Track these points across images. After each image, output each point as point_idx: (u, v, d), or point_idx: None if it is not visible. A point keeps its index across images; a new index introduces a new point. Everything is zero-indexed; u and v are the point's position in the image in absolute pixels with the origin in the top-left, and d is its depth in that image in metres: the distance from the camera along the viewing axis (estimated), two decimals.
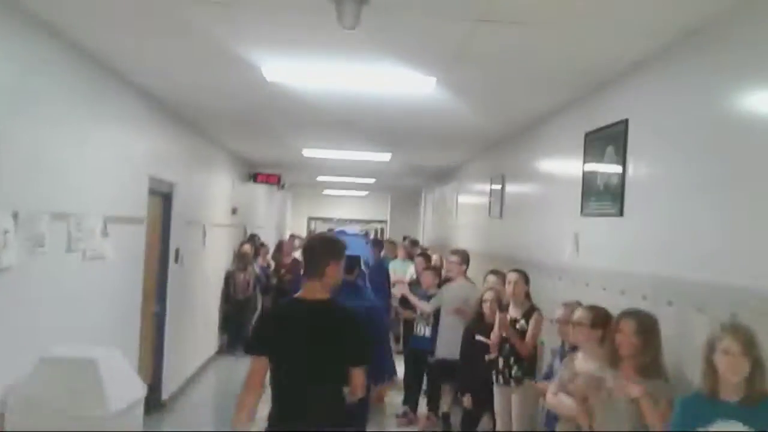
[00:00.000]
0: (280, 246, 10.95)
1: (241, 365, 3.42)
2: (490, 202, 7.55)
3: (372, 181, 13.99)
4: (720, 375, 2.39)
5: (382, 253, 9.68)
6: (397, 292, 6.58)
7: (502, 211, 7.02)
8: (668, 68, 3.59)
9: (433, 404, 6.26)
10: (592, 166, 4.50)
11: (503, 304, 4.87)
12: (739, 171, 2.88)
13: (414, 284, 6.70)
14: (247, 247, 9.58)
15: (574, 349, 3.55)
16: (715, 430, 2.39)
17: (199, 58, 4.35)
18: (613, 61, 3.93)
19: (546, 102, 5.08)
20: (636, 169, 3.91)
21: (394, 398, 6.69)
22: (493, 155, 7.66)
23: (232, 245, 9.71)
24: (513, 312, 4.70)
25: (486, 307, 4.90)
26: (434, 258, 7.03)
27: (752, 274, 2.69)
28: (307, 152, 8.98)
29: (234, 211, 9.98)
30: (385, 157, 9.11)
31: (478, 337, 4.89)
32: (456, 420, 5.75)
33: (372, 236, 16.51)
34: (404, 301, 6.59)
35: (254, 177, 11.43)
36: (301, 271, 3.21)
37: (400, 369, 6.25)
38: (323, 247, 2.99)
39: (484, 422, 5.12)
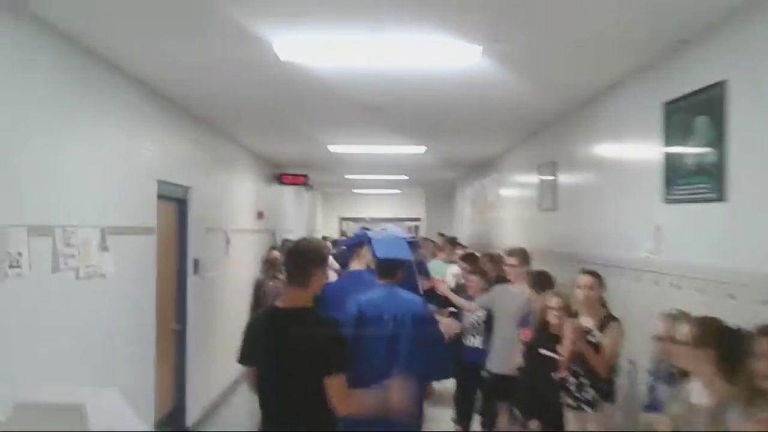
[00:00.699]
0: None
1: None
2: (539, 193, 6.77)
3: (405, 177, 13.27)
4: None
5: (420, 253, 8.94)
6: (437, 288, 5.76)
7: (555, 202, 6.24)
8: None
9: (488, 423, 5.52)
10: (676, 142, 3.71)
11: (572, 312, 4.11)
12: None
13: (461, 289, 5.95)
14: (277, 254, 8.94)
15: (684, 373, 2.79)
16: None
17: (204, 38, 3.70)
18: (703, 10, 3.16)
19: (611, 70, 4.29)
20: (741, 141, 3.12)
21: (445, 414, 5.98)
22: (541, 141, 6.87)
23: (259, 252, 9.09)
24: (585, 322, 3.94)
25: (552, 316, 4.14)
26: (482, 259, 6.28)
27: None
28: (334, 148, 8.30)
29: (260, 216, 9.37)
30: (419, 149, 8.38)
31: (543, 351, 4.13)
32: None
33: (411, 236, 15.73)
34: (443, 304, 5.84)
35: (280, 178, 10.86)
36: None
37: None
38: (309, 253, 2.86)
39: None
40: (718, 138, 3.25)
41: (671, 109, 3.77)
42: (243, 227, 8.24)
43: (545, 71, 4.36)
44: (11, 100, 3.12)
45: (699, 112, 3.45)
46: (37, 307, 3.29)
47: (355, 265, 4.56)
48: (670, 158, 3.78)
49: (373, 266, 4.09)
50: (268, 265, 8.71)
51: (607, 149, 4.98)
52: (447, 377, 4.51)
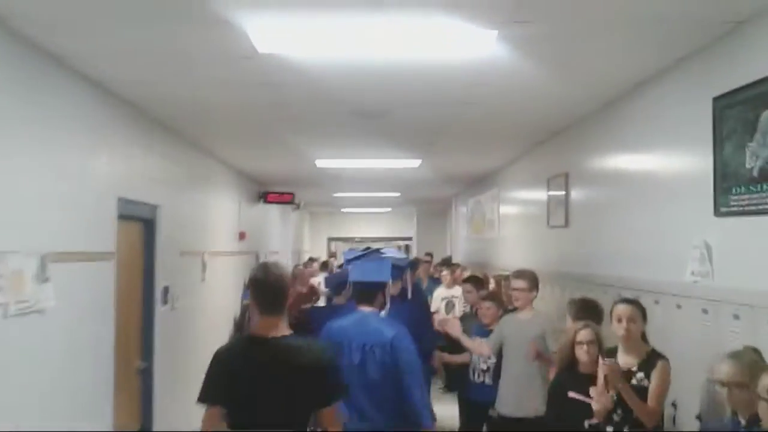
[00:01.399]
0: (296, 273, 9.59)
1: None
2: (548, 208, 6.15)
3: (396, 195, 12.64)
4: None
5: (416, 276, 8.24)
6: (440, 326, 5.04)
7: (568, 218, 5.62)
8: None
9: None
10: (732, 144, 3.09)
11: (605, 348, 3.46)
12: None
13: (469, 318, 5.28)
14: None
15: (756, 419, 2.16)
16: None
17: (167, 26, 3.06)
18: None
19: (649, 59, 3.64)
20: None
21: None
22: (551, 151, 6.26)
23: (241, 276, 8.38)
24: (625, 360, 3.28)
25: (582, 352, 3.48)
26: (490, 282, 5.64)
27: None
28: (322, 163, 7.66)
29: (242, 236, 8.68)
30: (414, 163, 7.76)
31: (573, 395, 3.46)
32: None
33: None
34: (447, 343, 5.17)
35: (264, 197, 10.21)
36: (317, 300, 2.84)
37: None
38: (279, 279, 2.62)
39: None
40: None
41: (723, 105, 3.15)
42: (222, 249, 7.55)
43: (571, 60, 3.71)
44: None
45: (763, 106, 2.84)
46: None
47: (340, 301, 4.49)
48: (722, 163, 3.16)
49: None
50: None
51: (634, 156, 4.36)
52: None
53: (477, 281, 5.54)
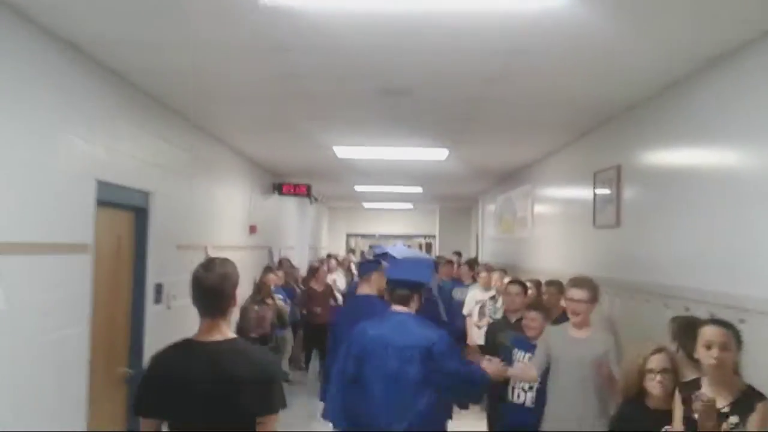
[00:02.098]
0: (312, 270, 8.95)
1: None
2: (594, 206, 5.42)
3: (419, 190, 11.95)
4: None
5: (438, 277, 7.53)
6: (488, 367, 3.96)
7: (619, 217, 4.88)
8: None
9: None
10: None
11: (681, 378, 2.75)
12: None
13: (501, 326, 4.56)
14: (273, 276, 7.60)
15: None
16: None
17: None
18: None
19: (739, 25, 2.94)
20: None
21: None
22: (598, 140, 5.52)
23: (251, 272, 7.76)
24: (716, 396, 2.56)
25: (653, 383, 2.77)
26: (530, 288, 4.91)
27: None
28: (341, 151, 7.00)
29: (252, 230, 8.06)
30: (441, 154, 7.06)
31: None
32: None
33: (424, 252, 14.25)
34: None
35: (279, 188, 9.58)
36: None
37: None
38: (221, 278, 2.38)
39: None
40: None
41: None
42: (229, 243, 6.92)
43: (643, 24, 3.01)
44: None
45: None
46: None
47: (364, 290, 4.28)
48: None
49: (383, 292, 3.82)
50: (257, 288, 7.38)
51: (706, 145, 3.63)
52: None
53: (522, 285, 4.81)
